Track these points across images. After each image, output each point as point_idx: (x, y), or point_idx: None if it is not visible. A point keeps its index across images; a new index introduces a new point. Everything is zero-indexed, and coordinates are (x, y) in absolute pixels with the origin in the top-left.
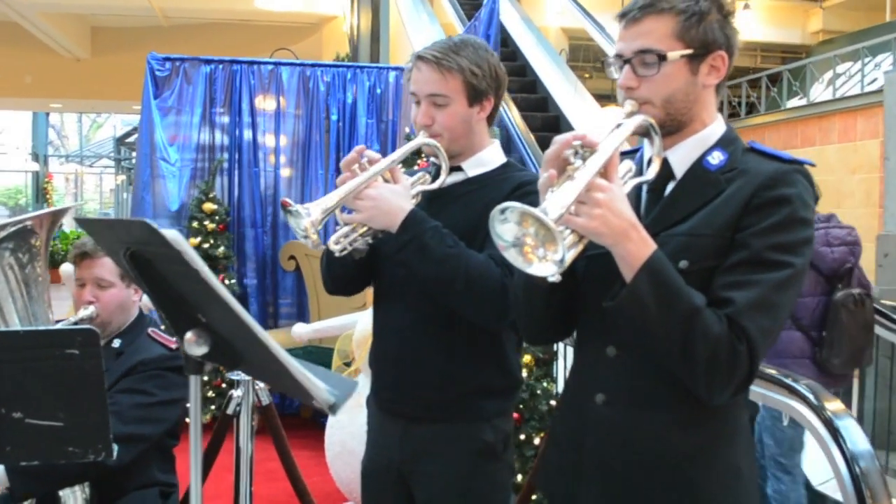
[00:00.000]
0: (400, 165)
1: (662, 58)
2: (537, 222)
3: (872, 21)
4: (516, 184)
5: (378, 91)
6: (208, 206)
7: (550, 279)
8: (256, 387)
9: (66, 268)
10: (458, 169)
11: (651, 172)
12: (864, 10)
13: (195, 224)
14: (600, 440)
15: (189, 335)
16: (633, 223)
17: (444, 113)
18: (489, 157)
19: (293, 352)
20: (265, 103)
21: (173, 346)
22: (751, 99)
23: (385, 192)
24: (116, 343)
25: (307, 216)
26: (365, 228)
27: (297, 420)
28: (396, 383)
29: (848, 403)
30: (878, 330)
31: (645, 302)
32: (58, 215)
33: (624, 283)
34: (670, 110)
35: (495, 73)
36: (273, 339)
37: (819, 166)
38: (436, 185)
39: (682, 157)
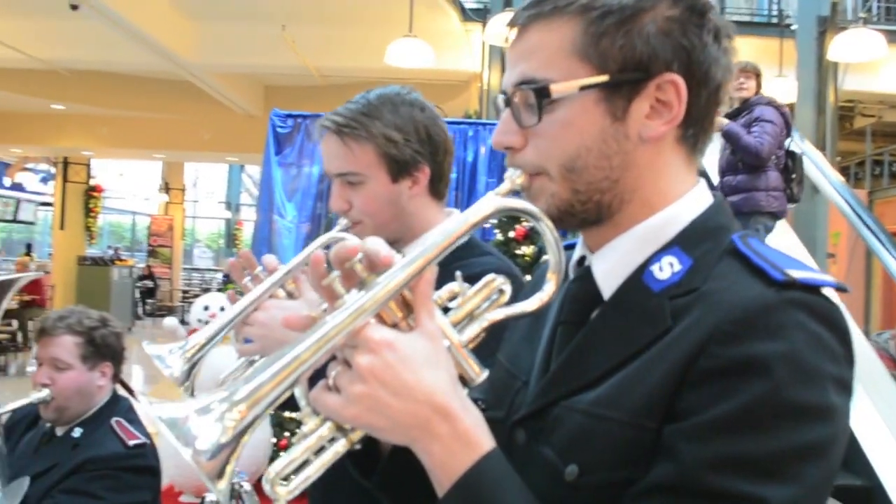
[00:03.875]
0: (304, 274)
1: (543, 93)
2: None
3: None
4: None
5: None
6: None
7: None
8: (241, 488)
9: (170, 322)
10: None
11: (532, 303)
12: None
13: None
14: None
15: None
16: (441, 406)
17: (361, 194)
18: None
19: None
20: None
21: (132, 441)
22: None
23: (278, 314)
24: (77, 433)
25: (167, 370)
26: None
27: None
28: None
29: None
30: None
31: None
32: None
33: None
34: (578, 185)
35: (426, 133)
36: None
37: None
38: None
39: (612, 266)
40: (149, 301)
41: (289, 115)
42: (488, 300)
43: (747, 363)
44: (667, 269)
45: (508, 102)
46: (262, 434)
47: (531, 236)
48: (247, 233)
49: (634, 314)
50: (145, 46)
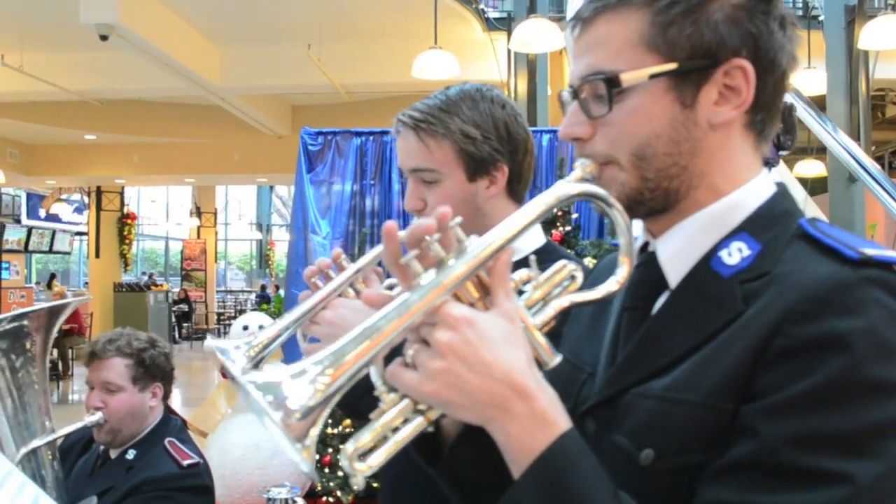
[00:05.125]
0: (378, 272)
1: (613, 83)
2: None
3: None
4: None
5: None
6: None
7: (352, 481)
8: (294, 503)
9: (211, 342)
10: None
11: (605, 288)
12: None
13: None
14: None
15: None
16: (518, 385)
17: (437, 192)
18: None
19: None
20: None
21: (186, 461)
22: None
23: (347, 313)
24: (131, 454)
25: (230, 363)
26: None
27: None
28: None
29: None
30: None
31: None
32: (56, 312)
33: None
34: (648, 172)
35: (506, 131)
36: None
37: None
38: None
39: (678, 251)
40: (185, 325)
41: (319, 133)
42: (560, 286)
43: (826, 340)
44: (736, 254)
45: (576, 95)
46: None
47: (567, 241)
48: (278, 253)
49: (705, 299)
50: (173, 73)
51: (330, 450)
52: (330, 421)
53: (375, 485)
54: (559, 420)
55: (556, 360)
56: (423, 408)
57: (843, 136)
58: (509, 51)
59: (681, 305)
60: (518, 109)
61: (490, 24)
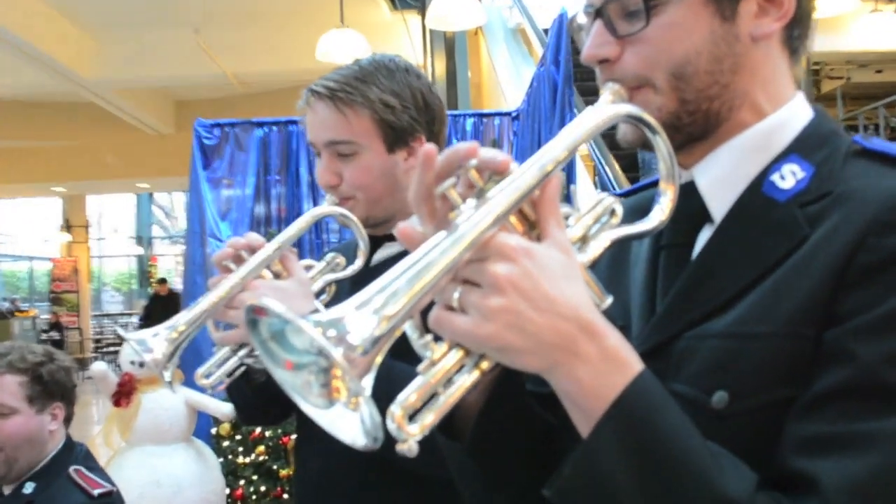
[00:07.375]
0: (293, 251)
1: None
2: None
3: None
4: None
5: (454, 140)
6: None
7: (401, 448)
8: None
9: (98, 367)
10: (391, 238)
11: (654, 218)
12: None
13: None
14: None
15: None
16: (587, 322)
17: (354, 166)
18: None
19: None
20: None
21: (97, 490)
22: None
23: (267, 293)
24: (28, 488)
25: (147, 353)
26: (249, 347)
27: None
28: None
29: None
30: None
31: (612, 486)
32: None
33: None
34: (687, 94)
35: (423, 101)
36: None
37: None
38: (350, 272)
39: (721, 177)
40: None
41: (215, 125)
42: (599, 222)
43: None
44: (789, 177)
45: (599, 13)
46: (215, 485)
47: None
48: (162, 268)
49: (761, 228)
50: (37, 65)
51: (242, 482)
52: (241, 450)
53: None
54: (632, 360)
55: (607, 300)
56: (469, 363)
57: None
58: (424, 30)
59: (733, 237)
60: (430, 81)
61: (401, 3)
